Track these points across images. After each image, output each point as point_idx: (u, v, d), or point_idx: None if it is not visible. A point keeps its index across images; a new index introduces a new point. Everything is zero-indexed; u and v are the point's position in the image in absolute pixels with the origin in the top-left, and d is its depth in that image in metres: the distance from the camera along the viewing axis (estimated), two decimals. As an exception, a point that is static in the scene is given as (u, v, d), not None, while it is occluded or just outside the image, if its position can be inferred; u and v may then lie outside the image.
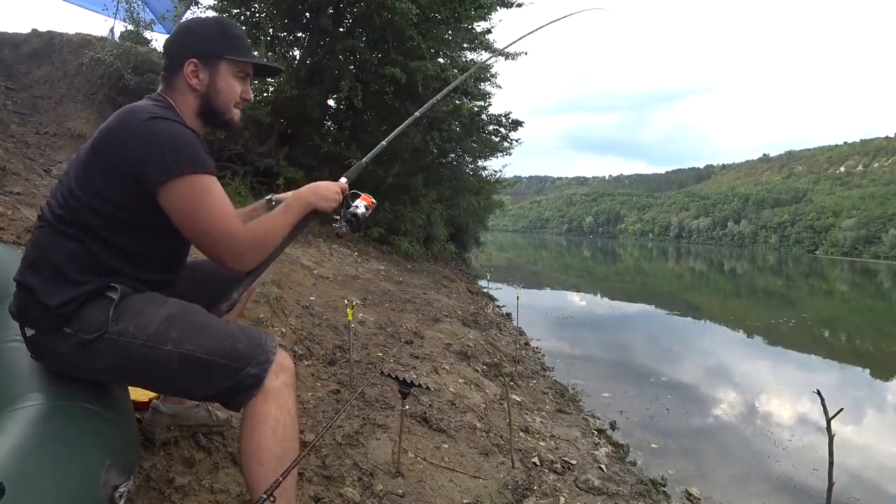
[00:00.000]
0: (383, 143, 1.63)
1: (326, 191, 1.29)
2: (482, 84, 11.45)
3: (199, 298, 1.20)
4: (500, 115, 11.56)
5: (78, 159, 1.11)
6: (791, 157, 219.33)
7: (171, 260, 1.23)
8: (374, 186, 9.11)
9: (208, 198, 1.08)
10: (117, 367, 1.06)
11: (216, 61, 1.19)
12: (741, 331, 9.06)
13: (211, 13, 7.86)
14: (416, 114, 1.85)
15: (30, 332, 1.07)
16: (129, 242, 1.10)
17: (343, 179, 1.39)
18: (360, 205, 1.39)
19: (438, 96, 2.10)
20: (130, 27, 7.20)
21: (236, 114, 1.26)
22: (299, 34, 8.41)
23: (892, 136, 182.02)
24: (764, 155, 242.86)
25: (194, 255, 1.28)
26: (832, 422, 1.81)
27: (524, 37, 2.26)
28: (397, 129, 1.72)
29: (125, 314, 1.06)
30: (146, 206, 1.07)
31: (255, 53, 1.32)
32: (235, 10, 7.65)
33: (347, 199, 1.37)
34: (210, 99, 1.20)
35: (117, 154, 1.06)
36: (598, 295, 13.16)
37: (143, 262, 1.13)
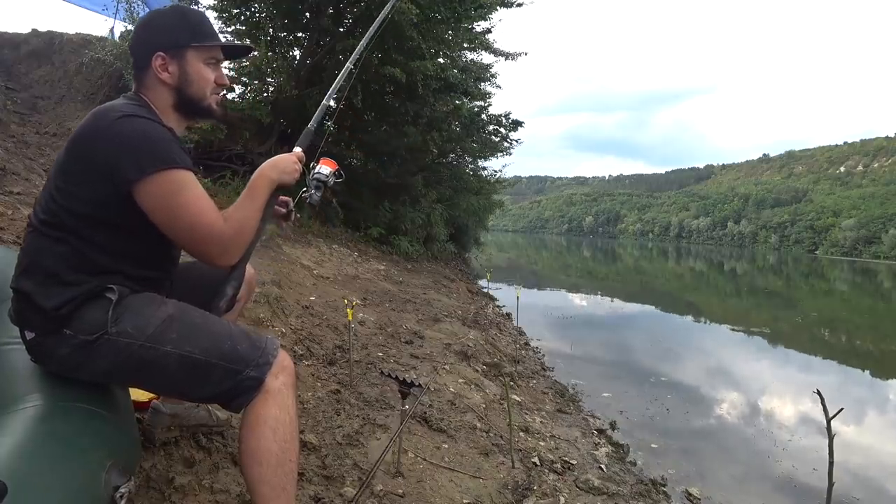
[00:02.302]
0: (324, 102, 1.60)
1: (286, 163, 1.27)
2: (482, 84, 11.45)
3: (196, 300, 1.20)
4: (500, 116, 11.58)
5: (57, 163, 1.10)
6: (791, 157, 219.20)
7: (160, 258, 1.21)
8: (373, 186, 9.13)
9: (185, 193, 1.05)
10: (117, 368, 1.06)
11: (183, 51, 1.16)
12: (741, 331, 9.06)
13: (211, 13, 7.87)
14: (362, 42, 1.77)
15: (29, 335, 1.07)
16: (115, 242, 1.09)
17: (297, 149, 1.36)
18: (323, 169, 1.37)
19: (384, 12, 1.97)
20: (130, 27, 7.19)
21: (214, 100, 1.22)
22: (299, 34, 8.41)
23: (892, 136, 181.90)
24: (764, 155, 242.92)
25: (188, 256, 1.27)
26: (832, 422, 1.81)
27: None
28: (339, 76, 1.65)
29: (124, 315, 1.06)
30: (124, 206, 1.05)
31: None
32: (235, 10, 7.65)
33: (306, 168, 1.34)
34: (183, 90, 1.17)
35: (90, 155, 1.04)
36: (598, 295, 13.15)
37: (132, 260, 1.12)
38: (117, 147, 1.02)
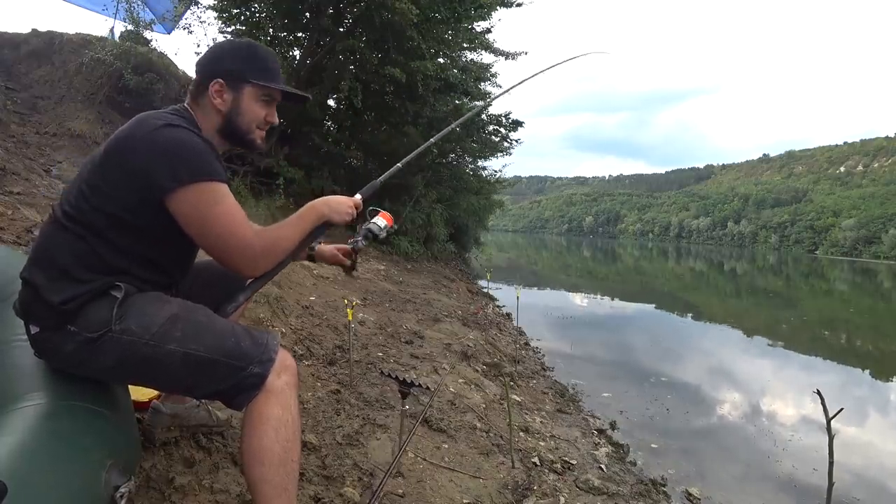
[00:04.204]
0: (399, 164, 1.72)
1: (339, 204, 1.32)
2: (482, 84, 11.46)
3: (206, 299, 1.21)
4: (500, 116, 11.58)
5: (92, 161, 1.12)
6: (791, 157, 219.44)
7: (177, 264, 1.23)
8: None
9: (220, 205, 1.08)
10: (121, 366, 1.07)
11: (241, 84, 1.20)
12: (741, 331, 9.06)
13: (211, 13, 7.87)
14: (433, 139, 1.97)
15: (34, 329, 1.07)
16: (135, 245, 1.10)
17: (358, 196, 1.42)
18: (379, 221, 1.45)
19: (455, 123, 2.29)
20: (130, 27, 7.19)
21: (259, 135, 1.26)
22: (299, 34, 8.42)
23: (892, 136, 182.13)
24: (764, 155, 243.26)
25: (201, 255, 1.28)
26: (832, 421, 1.81)
27: (528, 79, 2.29)
28: (414, 153, 1.83)
29: (129, 313, 1.06)
30: (153, 212, 1.07)
31: None
32: (235, 10, 7.65)
33: (366, 214, 1.43)
34: (232, 119, 1.21)
35: (127, 160, 1.06)
36: (598, 295, 13.15)
37: (148, 264, 1.14)
38: (154, 155, 1.05)
